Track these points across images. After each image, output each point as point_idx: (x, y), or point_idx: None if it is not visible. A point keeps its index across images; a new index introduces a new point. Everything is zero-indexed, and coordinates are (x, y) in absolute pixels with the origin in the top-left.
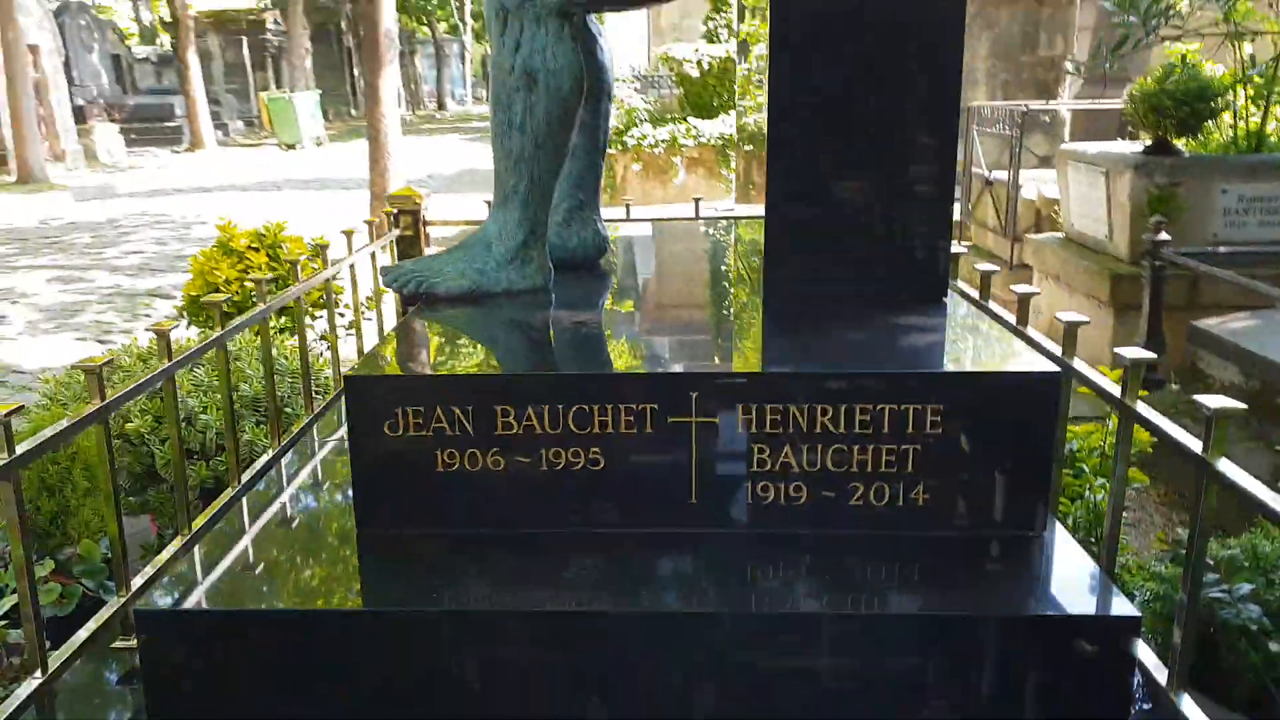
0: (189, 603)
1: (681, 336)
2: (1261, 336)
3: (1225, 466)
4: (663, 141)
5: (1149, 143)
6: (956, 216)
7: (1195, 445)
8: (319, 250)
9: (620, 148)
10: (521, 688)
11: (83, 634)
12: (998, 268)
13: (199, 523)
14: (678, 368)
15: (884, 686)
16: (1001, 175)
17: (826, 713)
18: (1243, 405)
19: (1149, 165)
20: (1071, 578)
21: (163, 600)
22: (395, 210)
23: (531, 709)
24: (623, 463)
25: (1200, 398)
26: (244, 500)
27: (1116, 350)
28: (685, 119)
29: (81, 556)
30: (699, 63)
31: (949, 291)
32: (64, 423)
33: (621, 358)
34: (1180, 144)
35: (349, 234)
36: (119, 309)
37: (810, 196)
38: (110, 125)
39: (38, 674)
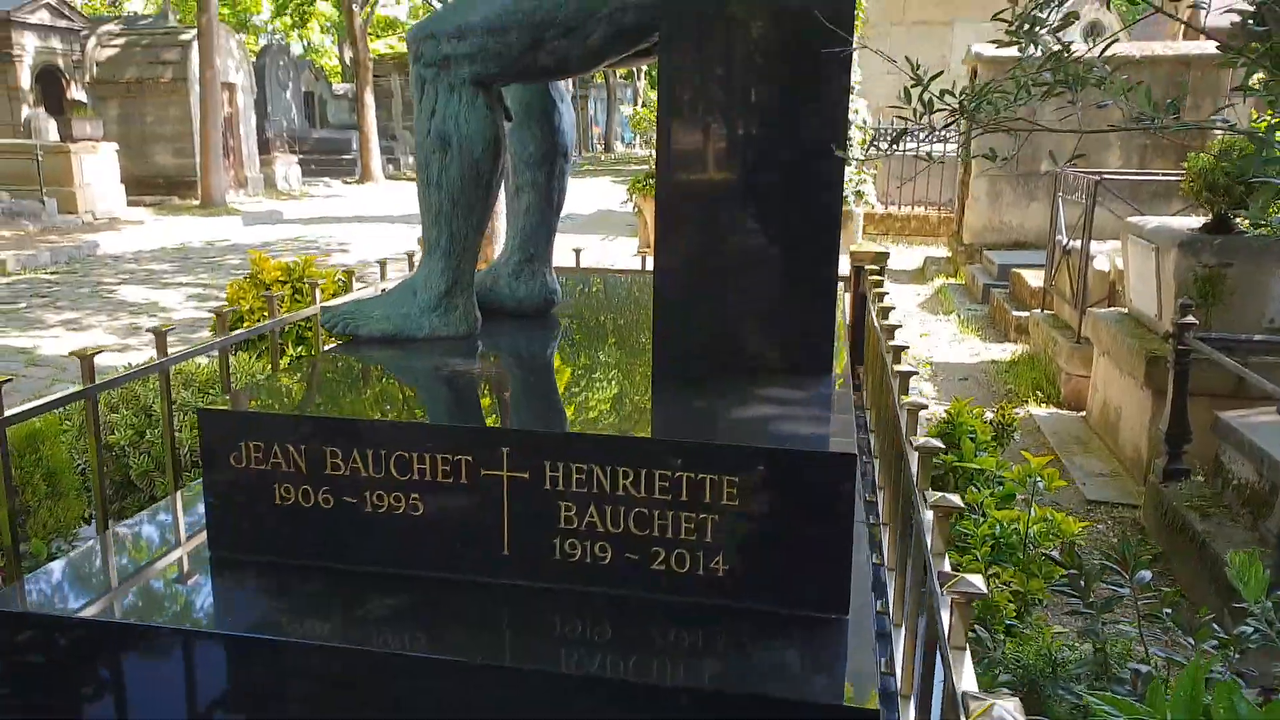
0: (30, 604)
1: (545, 392)
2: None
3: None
4: None
5: (1207, 220)
6: (1039, 284)
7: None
8: (346, 283)
9: None
10: (309, 713)
11: None
12: (908, 345)
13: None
14: (501, 422)
15: None
16: (1079, 245)
17: None
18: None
19: (1196, 243)
20: (849, 663)
21: (11, 601)
22: None
23: None
24: (440, 511)
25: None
26: (169, 511)
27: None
28: None
29: (31, 553)
30: None
31: (833, 366)
32: None
33: (466, 409)
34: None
35: (349, 274)
36: None
37: (694, 266)
38: (290, 155)
39: None
